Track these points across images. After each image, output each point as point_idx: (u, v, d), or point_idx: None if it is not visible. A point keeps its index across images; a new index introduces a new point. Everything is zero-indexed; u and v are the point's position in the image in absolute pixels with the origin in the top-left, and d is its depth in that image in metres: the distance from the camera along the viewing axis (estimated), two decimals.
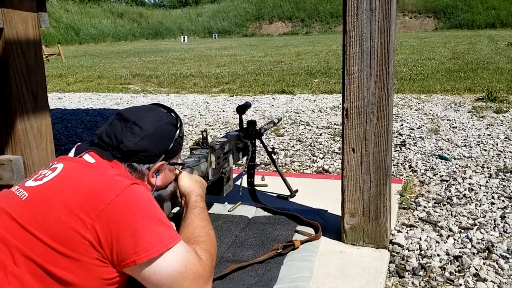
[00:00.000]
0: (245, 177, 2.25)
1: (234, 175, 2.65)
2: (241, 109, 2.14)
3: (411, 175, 2.90)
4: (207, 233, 1.27)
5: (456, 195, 2.51)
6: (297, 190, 2.37)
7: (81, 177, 1.12)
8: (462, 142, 3.60)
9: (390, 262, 1.81)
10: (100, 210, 1.04)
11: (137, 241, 1.05)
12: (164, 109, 1.34)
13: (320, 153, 3.50)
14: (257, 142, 2.22)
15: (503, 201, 2.39)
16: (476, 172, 2.86)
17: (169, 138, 1.28)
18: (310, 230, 1.89)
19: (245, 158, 2.14)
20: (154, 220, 1.10)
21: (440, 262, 1.81)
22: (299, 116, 4.97)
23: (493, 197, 2.44)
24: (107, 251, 1.05)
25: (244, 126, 2.17)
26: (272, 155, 2.34)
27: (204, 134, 1.75)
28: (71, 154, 1.24)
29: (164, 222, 1.12)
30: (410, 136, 3.89)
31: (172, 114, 1.34)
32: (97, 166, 1.16)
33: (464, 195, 2.49)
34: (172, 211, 1.53)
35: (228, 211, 2.08)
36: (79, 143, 1.28)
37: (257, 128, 2.20)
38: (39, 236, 1.03)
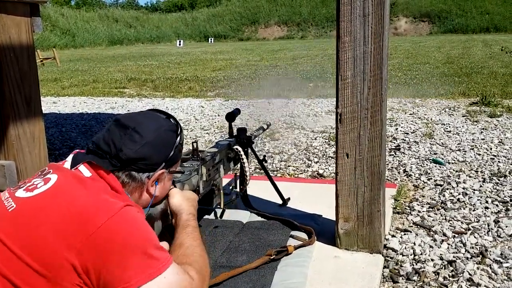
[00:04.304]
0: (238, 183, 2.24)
1: (228, 180, 2.65)
2: (231, 116, 2.07)
3: (405, 180, 2.90)
4: (200, 254, 1.22)
5: (450, 199, 2.51)
6: (289, 198, 2.36)
7: (73, 194, 1.06)
8: (456, 147, 3.61)
9: (384, 267, 1.81)
10: (89, 233, 0.99)
11: (127, 268, 1.00)
12: (163, 114, 1.29)
13: (315, 157, 3.50)
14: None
15: (496, 205, 2.40)
16: (470, 177, 2.87)
17: (169, 145, 1.23)
18: (305, 235, 1.89)
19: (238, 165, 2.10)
20: (145, 245, 1.05)
21: (434, 267, 1.82)
22: (294, 120, 4.98)
23: (487, 202, 2.44)
24: (93, 277, 0.99)
25: (235, 134, 2.12)
26: (264, 163, 2.31)
27: (195, 145, 1.68)
28: (68, 162, 1.18)
29: (155, 245, 1.07)
30: (405, 140, 3.90)
31: (172, 120, 1.28)
32: (91, 184, 1.10)
33: (458, 199, 2.50)
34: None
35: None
36: (76, 151, 1.22)
37: (248, 135, 2.17)
38: (20, 254, 0.98)
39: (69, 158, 1.19)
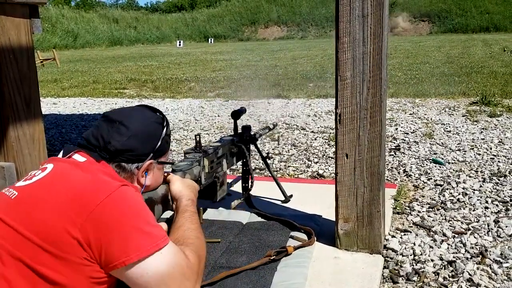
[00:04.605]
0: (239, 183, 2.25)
1: (229, 180, 2.65)
2: (236, 114, 2.15)
3: (405, 180, 2.90)
4: (197, 236, 1.28)
5: (450, 199, 2.51)
6: (291, 196, 2.37)
7: (72, 177, 1.12)
8: (456, 146, 3.61)
9: (384, 267, 1.81)
10: (90, 210, 1.04)
11: (127, 242, 1.05)
12: (149, 109, 1.36)
13: (315, 157, 3.50)
14: (252, 147, 2.22)
15: (496, 205, 2.40)
16: (470, 177, 2.87)
17: (156, 136, 1.30)
18: (304, 236, 1.89)
19: (240, 163, 2.14)
20: (143, 221, 1.10)
21: (434, 267, 1.81)
22: (294, 120, 4.98)
23: (486, 202, 2.44)
24: (95, 251, 1.05)
25: (239, 131, 2.17)
26: (267, 160, 2.35)
27: (198, 138, 1.75)
28: (59, 155, 1.24)
29: (153, 223, 1.13)
30: (405, 140, 3.90)
31: (158, 113, 1.35)
32: (87, 166, 1.16)
33: (458, 199, 2.50)
34: (166, 215, 1.53)
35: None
36: (66, 144, 1.28)
37: (252, 133, 2.20)
38: (28, 235, 1.03)
39: (61, 152, 1.25)
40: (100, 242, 1.04)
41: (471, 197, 2.51)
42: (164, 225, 1.26)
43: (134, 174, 1.27)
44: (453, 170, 3.03)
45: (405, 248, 1.96)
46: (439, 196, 2.57)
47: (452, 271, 1.78)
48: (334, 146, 1.82)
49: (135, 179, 1.29)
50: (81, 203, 1.05)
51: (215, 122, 5.09)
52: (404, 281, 1.74)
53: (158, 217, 1.39)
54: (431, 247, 1.97)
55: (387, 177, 2.94)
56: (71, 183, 1.10)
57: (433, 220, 2.25)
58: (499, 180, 2.79)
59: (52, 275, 1.03)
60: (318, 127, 4.57)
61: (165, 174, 1.45)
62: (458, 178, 2.83)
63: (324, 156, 3.53)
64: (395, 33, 31.98)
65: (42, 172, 1.14)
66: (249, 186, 2.12)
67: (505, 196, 2.52)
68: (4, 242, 1.03)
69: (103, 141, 1.21)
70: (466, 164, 3.16)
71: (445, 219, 2.26)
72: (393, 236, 2.07)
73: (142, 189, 1.31)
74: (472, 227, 2.15)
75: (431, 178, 2.87)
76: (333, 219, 1.87)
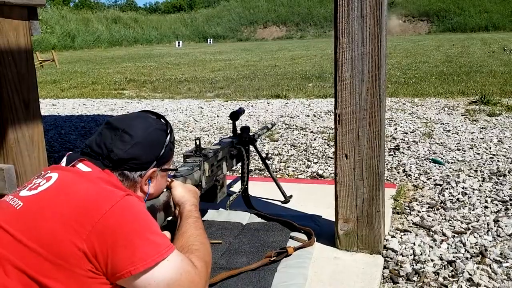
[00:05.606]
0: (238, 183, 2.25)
1: (229, 181, 2.65)
2: (235, 115, 2.15)
3: (405, 180, 2.90)
4: (202, 242, 1.27)
5: (449, 199, 2.51)
6: (291, 196, 2.38)
7: (76, 187, 1.11)
8: (455, 146, 3.61)
9: (384, 267, 1.81)
10: (95, 221, 1.04)
11: (133, 251, 1.05)
12: (154, 115, 1.34)
13: (315, 158, 3.50)
14: (251, 148, 2.22)
15: (496, 204, 2.40)
16: (469, 176, 2.87)
17: (159, 144, 1.28)
18: (304, 236, 1.89)
19: (240, 164, 2.14)
20: (148, 231, 1.10)
21: (434, 267, 1.82)
22: (293, 120, 4.98)
23: (486, 201, 2.44)
24: (101, 262, 1.04)
25: (238, 132, 2.17)
26: (266, 161, 2.35)
27: (197, 142, 1.74)
28: (63, 163, 1.22)
29: (158, 232, 1.13)
30: (404, 140, 3.90)
31: (162, 120, 1.33)
32: (92, 176, 1.15)
33: (458, 199, 2.50)
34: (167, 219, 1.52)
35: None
36: (70, 152, 1.27)
37: (251, 134, 2.20)
38: (32, 246, 1.02)
39: (64, 159, 1.24)
40: (106, 253, 1.04)
41: (470, 197, 2.51)
42: (167, 233, 1.26)
43: (137, 182, 1.26)
44: (453, 169, 3.03)
45: (405, 248, 1.96)
46: (438, 196, 2.57)
47: (452, 271, 1.78)
48: (334, 147, 1.82)
49: (138, 187, 1.28)
50: (86, 214, 1.05)
51: (215, 123, 5.09)
52: (404, 281, 1.74)
53: (161, 224, 1.38)
54: (431, 247, 1.97)
55: (387, 177, 2.94)
56: (76, 194, 1.09)
57: (432, 220, 2.25)
58: (498, 179, 2.79)
59: (56, 286, 1.02)
60: (317, 127, 4.57)
61: (168, 180, 1.45)
62: (458, 178, 2.83)
63: (324, 157, 3.53)
64: (395, 32, 32.01)
65: (46, 182, 1.13)
66: (244, 186, 2.12)
67: (504, 196, 2.52)
68: (7, 253, 1.03)
69: (106, 149, 1.20)
70: (465, 163, 3.16)
71: (445, 218, 2.26)
72: (393, 236, 2.07)
73: (146, 197, 1.30)
74: (471, 226, 2.15)
75: (431, 178, 2.88)
76: (333, 219, 1.87)
